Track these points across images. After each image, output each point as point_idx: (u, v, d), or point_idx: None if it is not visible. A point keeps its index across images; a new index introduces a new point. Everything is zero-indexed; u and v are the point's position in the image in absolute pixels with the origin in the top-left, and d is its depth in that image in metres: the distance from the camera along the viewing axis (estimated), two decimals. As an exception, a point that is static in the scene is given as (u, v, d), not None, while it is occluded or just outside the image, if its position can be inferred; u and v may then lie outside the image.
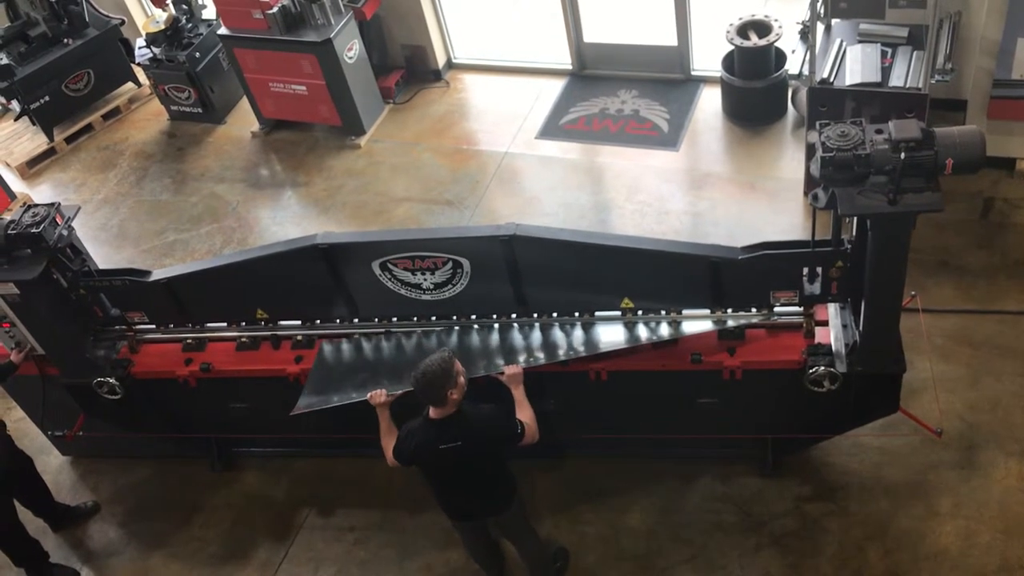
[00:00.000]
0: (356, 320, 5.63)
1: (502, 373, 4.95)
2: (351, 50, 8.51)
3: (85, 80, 9.74)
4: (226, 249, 8.21)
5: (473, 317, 5.49)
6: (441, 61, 9.49)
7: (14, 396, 6.48)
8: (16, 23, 9.51)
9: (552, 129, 8.70)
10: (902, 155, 4.04)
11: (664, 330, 5.16)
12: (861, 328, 4.80)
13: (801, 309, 5.11)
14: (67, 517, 6.38)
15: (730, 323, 5.14)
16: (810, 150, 5.36)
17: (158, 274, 5.52)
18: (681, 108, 8.57)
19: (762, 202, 7.55)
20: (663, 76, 8.86)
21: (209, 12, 9.58)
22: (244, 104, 9.53)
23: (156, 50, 9.35)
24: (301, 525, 6.16)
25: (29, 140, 9.84)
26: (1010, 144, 7.00)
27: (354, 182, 8.62)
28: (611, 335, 5.22)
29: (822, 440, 5.79)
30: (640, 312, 5.28)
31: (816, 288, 4.94)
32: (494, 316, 5.47)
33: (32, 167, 9.65)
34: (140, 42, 9.58)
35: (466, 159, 8.62)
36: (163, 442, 6.47)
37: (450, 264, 5.11)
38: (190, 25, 9.47)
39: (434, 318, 5.53)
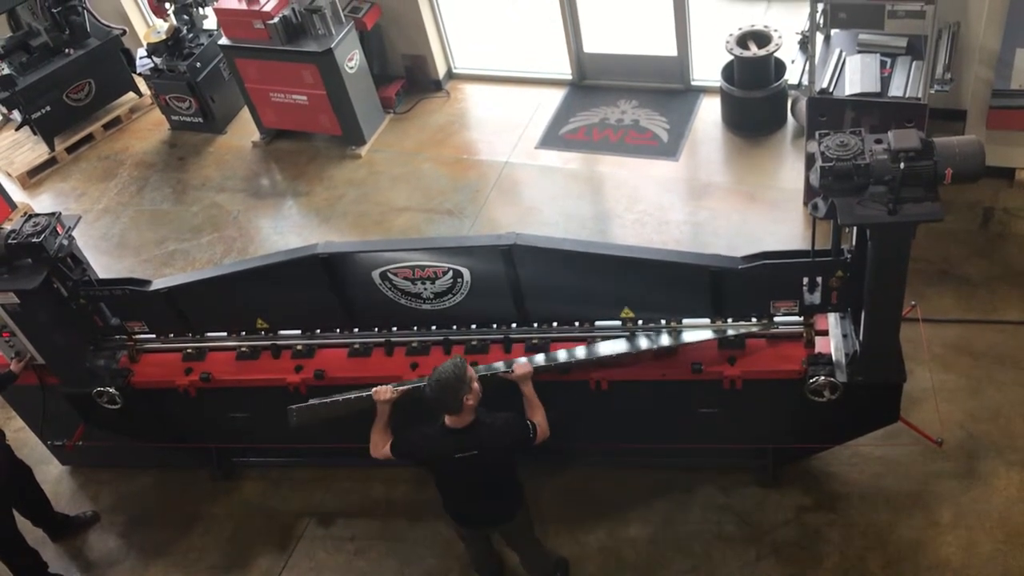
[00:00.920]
0: (356, 330, 5.63)
1: (511, 371, 4.93)
2: (352, 60, 8.54)
3: (86, 90, 9.76)
4: (227, 259, 8.22)
5: (473, 327, 5.50)
6: (441, 71, 9.51)
7: (13, 405, 6.48)
8: (18, 33, 9.54)
9: (552, 139, 8.72)
10: (901, 165, 4.05)
11: (669, 338, 5.15)
12: (861, 338, 4.80)
13: (801, 319, 5.11)
14: (66, 527, 6.37)
15: (730, 333, 5.13)
16: (810, 160, 5.38)
17: (158, 284, 5.52)
18: (681, 118, 8.58)
19: (762, 212, 7.56)
20: (663, 86, 8.88)
21: (210, 22, 9.60)
22: (245, 114, 9.55)
23: (157, 60, 9.37)
24: (301, 535, 6.15)
25: (30, 150, 9.85)
26: (1009, 154, 7.00)
27: (355, 192, 8.64)
28: (618, 344, 5.21)
29: (822, 450, 5.78)
30: (640, 322, 5.28)
31: (816, 298, 4.94)
32: (494, 326, 5.48)
33: (33, 177, 9.66)
34: (141, 52, 9.60)
35: (466, 169, 8.63)
36: (163, 452, 6.46)
37: (450, 274, 5.11)
38: (191, 35, 9.49)
39: (434, 328, 5.53)
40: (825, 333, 5.13)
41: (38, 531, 6.26)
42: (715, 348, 5.19)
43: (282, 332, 5.73)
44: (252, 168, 9.25)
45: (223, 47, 8.83)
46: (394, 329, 5.60)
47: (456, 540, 5.82)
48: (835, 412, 5.06)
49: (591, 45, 9.01)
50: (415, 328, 5.56)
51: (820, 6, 6.45)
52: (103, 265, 8.03)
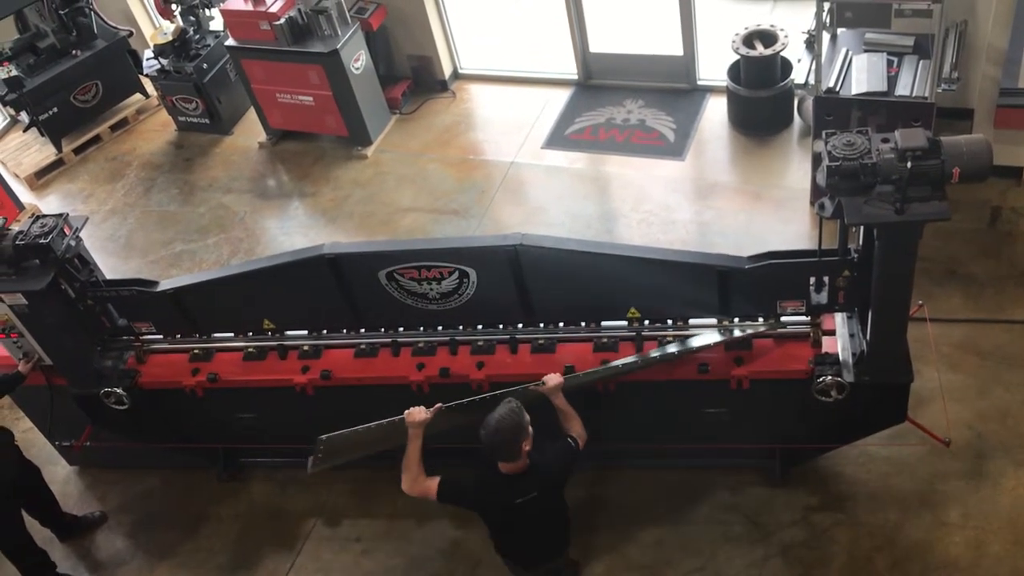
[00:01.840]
0: (362, 330, 5.64)
1: (542, 384, 4.82)
2: (358, 61, 8.54)
3: (93, 91, 9.79)
4: (233, 259, 8.23)
5: (479, 327, 5.50)
6: (447, 71, 9.51)
7: (22, 406, 6.51)
8: (25, 35, 9.57)
9: (558, 139, 8.71)
10: (908, 164, 4.04)
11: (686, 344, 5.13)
12: (868, 337, 4.79)
13: (808, 318, 5.11)
14: (74, 527, 6.39)
15: (737, 333, 5.13)
16: (816, 159, 5.37)
17: (165, 284, 5.54)
18: (687, 117, 8.57)
19: (768, 211, 7.55)
20: (669, 86, 8.86)
21: (216, 24, 9.62)
22: (251, 115, 9.56)
23: (164, 61, 9.39)
24: (308, 535, 6.16)
25: (37, 151, 9.88)
26: (1017, 153, 6.98)
27: (361, 192, 8.64)
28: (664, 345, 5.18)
29: (830, 450, 5.77)
30: (647, 322, 5.28)
31: (823, 297, 4.93)
32: (500, 326, 5.48)
33: (40, 178, 9.69)
34: (148, 53, 9.62)
35: (472, 169, 8.63)
36: (170, 452, 6.48)
37: (456, 274, 5.11)
38: (198, 36, 9.51)
39: (440, 328, 5.54)
40: (832, 333, 5.13)
41: (46, 531, 6.28)
42: (722, 348, 5.18)
43: (289, 333, 5.74)
44: (258, 169, 9.26)
45: (229, 48, 8.84)
46: (400, 329, 5.60)
47: (462, 540, 5.84)
48: (842, 412, 5.06)
49: (597, 45, 9.00)
50: (421, 328, 5.57)
51: (826, 5, 6.43)
52: (110, 266, 8.05)
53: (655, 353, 5.13)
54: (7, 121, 10.35)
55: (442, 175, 8.62)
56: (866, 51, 6.78)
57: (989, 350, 6.24)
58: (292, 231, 8.44)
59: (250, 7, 8.39)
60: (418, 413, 4.64)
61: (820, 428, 5.36)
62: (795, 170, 7.85)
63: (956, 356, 6.21)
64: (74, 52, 9.60)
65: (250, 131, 9.65)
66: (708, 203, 7.77)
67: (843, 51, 6.82)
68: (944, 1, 6.01)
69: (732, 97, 8.23)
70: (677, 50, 8.65)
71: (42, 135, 9.78)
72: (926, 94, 6.37)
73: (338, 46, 8.29)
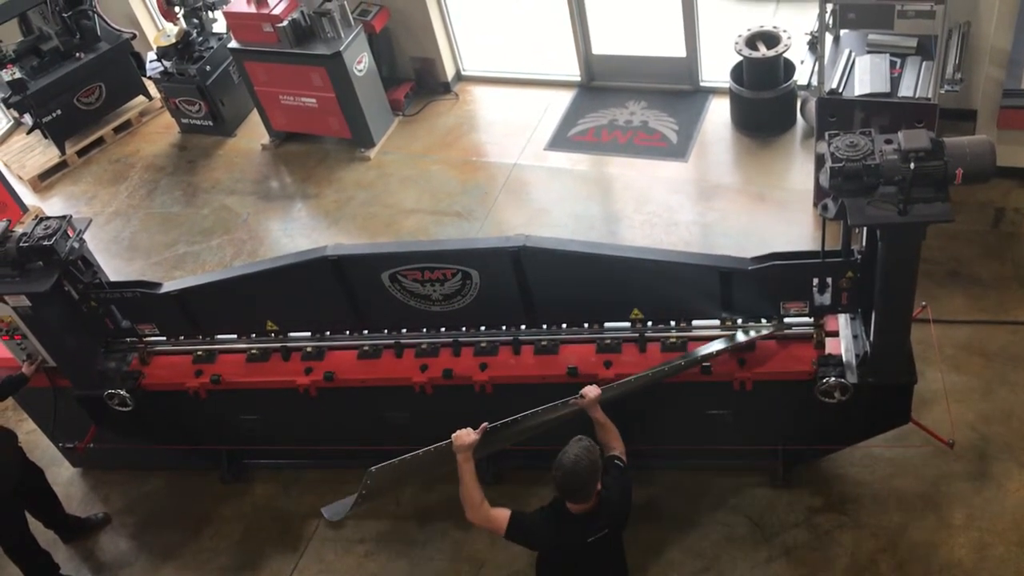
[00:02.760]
0: (366, 332, 5.64)
1: (582, 397, 4.69)
2: (361, 63, 8.55)
3: (97, 94, 9.80)
4: (236, 261, 8.24)
5: (483, 328, 5.50)
6: (450, 73, 9.52)
7: (25, 408, 6.51)
8: (29, 37, 9.59)
9: (561, 140, 8.72)
10: (912, 165, 4.04)
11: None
12: (872, 339, 4.79)
13: (811, 320, 5.10)
14: (78, 529, 6.39)
15: (740, 334, 5.12)
16: (819, 160, 5.36)
17: (169, 286, 5.55)
18: (690, 119, 8.57)
19: (772, 213, 7.54)
20: (672, 87, 8.86)
21: (219, 26, 9.63)
22: (254, 117, 9.57)
23: (167, 63, 9.41)
24: (311, 537, 6.16)
25: (41, 153, 9.90)
26: (1020, 154, 6.97)
27: (364, 194, 8.65)
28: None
29: (833, 451, 5.76)
30: (650, 323, 5.28)
31: (826, 299, 4.93)
32: (503, 327, 5.48)
33: (44, 180, 9.70)
34: (151, 56, 9.64)
35: (475, 171, 8.63)
36: (174, 453, 6.48)
37: (459, 276, 5.11)
38: (201, 39, 9.52)
39: (443, 329, 5.54)
40: (835, 334, 5.12)
41: (50, 533, 6.28)
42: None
43: (292, 334, 5.74)
44: (261, 171, 9.27)
45: (232, 50, 8.85)
46: (404, 331, 5.60)
47: (464, 542, 5.83)
48: (845, 413, 5.05)
49: (600, 46, 9.00)
50: (424, 330, 5.57)
51: (829, 6, 6.44)
52: (114, 268, 8.06)
53: (700, 352, 5.06)
54: (11, 123, 10.38)
55: (445, 177, 8.63)
56: (869, 52, 6.78)
57: (993, 351, 6.23)
58: (295, 233, 8.45)
59: (253, 9, 8.40)
60: (465, 435, 4.46)
61: (823, 429, 5.36)
62: (798, 171, 7.85)
63: (960, 357, 6.20)
64: (77, 55, 9.62)
65: (253, 133, 9.66)
66: (711, 204, 7.76)
67: (846, 52, 6.81)
68: (947, 2, 6.01)
69: (735, 98, 8.23)
70: (680, 51, 8.65)
71: (46, 137, 9.80)
72: (929, 95, 6.36)
73: (341, 48, 8.29)
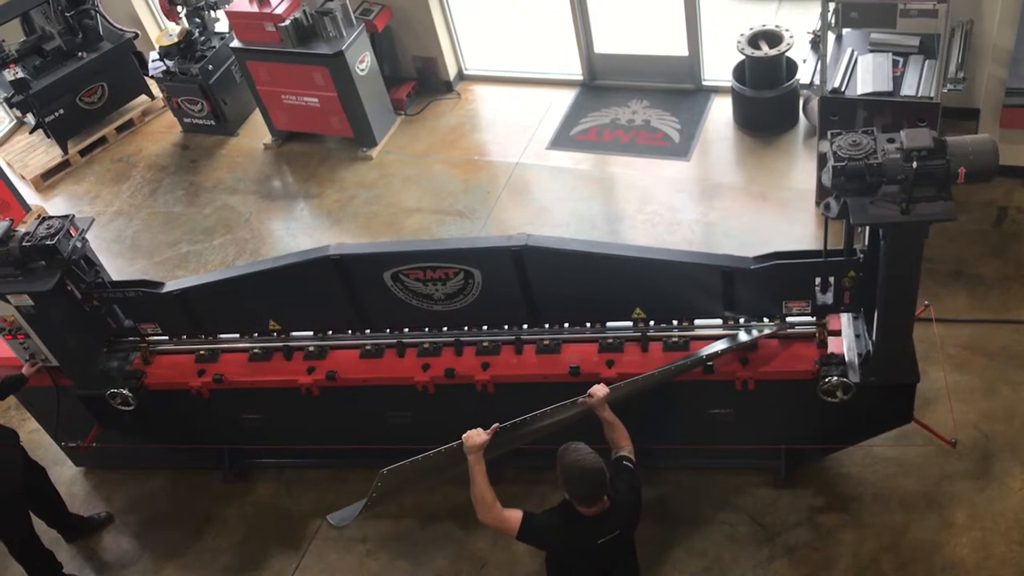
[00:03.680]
0: (368, 331, 5.64)
1: (590, 396, 4.65)
2: (363, 62, 8.55)
3: (99, 93, 9.81)
4: (239, 260, 8.24)
5: (485, 328, 5.50)
6: (452, 72, 9.52)
7: (28, 407, 6.52)
8: (31, 37, 9.60)
9: (563, 140, 8.71)
10: (914, 164, 4.03)
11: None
12: (874, 338, 4.79)
13: (814, 319, 5.10)
14: (80, 528, 6.40)
15: (742, 333, 5.12)
16: (822, 160, 5.36)
17: (171, 285, 5.55)
18: (692, 118, 8.57)
19: (774, 212, 7.54)
20: (674, 86, 8.86)
21: (222, 25, 9.64)
22: (256, 116, 9.58)
23: (169, 63, 9.41)
24: (314, 536, 6.17)
25: (43, 153, 9.90)
26: (1023, 153, 6.96)
27: (366, 193, 8.65)
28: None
29: (835, 450, 5.76)
30: (652, 322, 5.28)
31: (829, 298, 4.93)
32: (506, 327, 5.48)
33: (46, 179, 9.71)
34: (154, 55, 9.64)
35: (477, 170, 8.63)
36: (176, 453, 6.49)
37: (461, 275, 5.12)
38: (203, 38, 9.52)
39: (445, 329, 5.54)
40: (838, 333, 5.12)
41: (52, 532, 6.29)
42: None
43: (294, 334, 5.75)
44: (264, 170, 9.28)
45: (235, 50, 8.86)
46: (406, 330, 5.61)
47: (466, 541, 5.84)
48: (848, 413, 5.05)
49: (602, 45, 9.00)
50: (426, 329, 5.57)
51: (832, 5, 6.43)
52: (116, 267, 8.07)
53: (705, 352, 5.06)
54: (13, 123, 10.37)
55: (447, 176, 8.63)
56: (871, 51, 6.77)
57: (995, 350, 6.22)
58: (297, 232, 8.45)
59: (255, 9, 8.41)
60: (476, 436, 4.41)
61: (825, 429, 5.36)
62: (800, 170, 7.85)
63: (962, 356, 6.20)
64: (80, 54, 9.63)
65: (255, 132, 9.66)
66: (713, 203, 7.76)
67: (848, 51, 6.81)
68: (950, 1, 6.01)
69: (737, 97, 8.22)
70: (682, 50, 8.65)
71: (48, 137, 9.80)
72: (932, 94, 6.36)
73: (343, 48, 8.30)
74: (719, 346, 5.07)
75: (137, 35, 9.99)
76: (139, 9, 10.46)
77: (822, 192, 6.98)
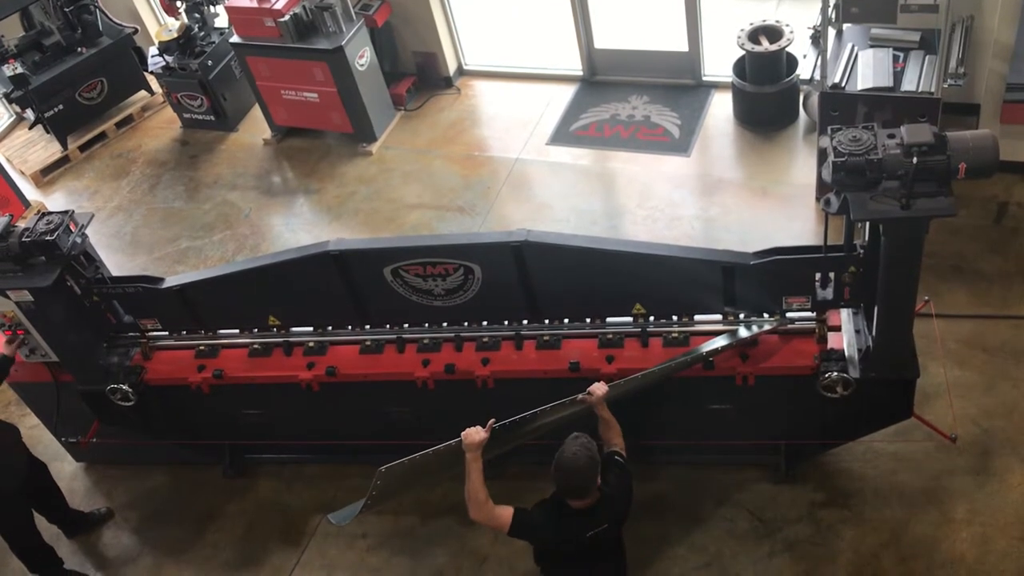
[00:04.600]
0: (368, 326, 5.64)
1: (590, 394, 4.63)
2: (362, 57, 8.54)
3: (98, 88, 9.80)
4: (239, 256, 8.24)
5: (485, 324, 5.50)
6: (452, 68, 9.51)
7: (28, 402, 6.52)
8: (31, 32, 9.58)
9: (563, 135, 8.71)
10: (914, 160, 4.02)
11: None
12: (874, 333, 4.79)
13: (814, 314, 5.10)
14: (81, 523, 6.40)
15: (742, 329, 5.12)
16: (822, 155, 5.37)
17: (171, 281, 5.55)
18: (692, 113, 8.56)
19: (774, 207, 7.54)
20: (674, 82, 8.85)
21: (221, 20, 9.63)
22: (256, 112, 9.57)
23: (169, 58, 9.40)
24: (314, 532, 6.17)
25: (43, 148, 9.90)
26: (1024, 149, 6.97)
27: (366, 189, 8.65)
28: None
29: (835, 446, 5.76)
30: (652, 318, 5.28)
31: (829, 293, 4.93)
32: (506, 322, 5.48)
33: (46, 175, 9.70)
34: (153, 51, 9.62)
35: (477, 165, 8.63)
36: (177, 448, 6.49)
37: (461, 270, 5.11)
38: (202, 33, 9.51)
39: (445, 324, 5.54)
40: (838, 329, 5.12)
41: (53, 528, 6.29)
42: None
43: (294, 329, 5.75)
44: (264, 166, 9.27)
45: (234, 45, 8.85)
46: (406, 326, 5.60)
47: (467, 537, 5.84)
48: (848, 408, 5.05)
49: (602, 41, 8.99)
50: (427, 325, 5.57)
51: (832, 1, 6.42)
52: (116, 263, 8.07)
53: (705, 348, 5.06)
54: (13, 118, 10.38)
55: (447, 171, 8.62)
56: (872, 47, 6.76)
57: (995, 346, 6.22)
58: (297, 228, 8.45)
59: (255, 4, 8.40)
60: (475, 434, 4.40)
61: (825, 424, 5.36)
62: (801, 166, 7.84)
63: (962, 352, 6.20)
64: (79, 49, 9.61)
65: (255, 128, 9.66)
66: (713, 199, 7.76)
67: (849, 47, 6.80)
68: (950, -4, 6.00)
69: (737, 93, 8.22)
70: (682, 46, 8.64)
71: (47, 132, 9.79)
72: (932, 89, 6.35)
73: (343, 43, 8.28)
74: (719, 342, 5.07)
75: (136, 30, 9.98)
76: (138, 4, 10.45)
77: (822, 188, 6.97)
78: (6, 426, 5.77)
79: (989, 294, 6.52)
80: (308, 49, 8.42)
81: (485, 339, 5.47)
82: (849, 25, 6.87)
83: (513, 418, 4.63)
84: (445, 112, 9.29)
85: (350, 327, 5.68)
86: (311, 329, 5.75)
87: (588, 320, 5.41)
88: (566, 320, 5.43)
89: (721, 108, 8.52)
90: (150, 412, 5.93)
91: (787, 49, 7.82)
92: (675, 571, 5.56)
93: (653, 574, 5.57)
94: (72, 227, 5.27)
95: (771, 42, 7.79)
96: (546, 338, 5.40)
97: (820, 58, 6.53)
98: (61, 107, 9.58)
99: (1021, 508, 5.45)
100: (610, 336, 5.32)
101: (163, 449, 6.50)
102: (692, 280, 5.04)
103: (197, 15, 9.49)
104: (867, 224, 4.51)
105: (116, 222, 8.95)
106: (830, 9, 6.47)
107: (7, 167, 9.34)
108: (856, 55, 6.73)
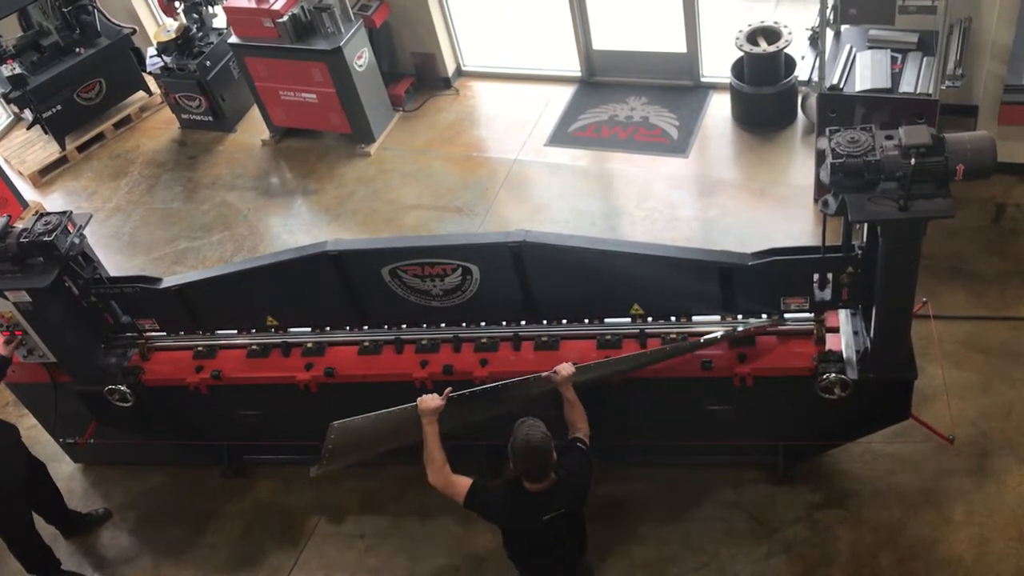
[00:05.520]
0: (366, 327, 5.64)
1: (555, 373, 4.73)
2: (361, 58, 8.54)
3: (97, 89, 9.79)
4: (237, 257, 8.24)
5: (483, 324, 5.50)
6: (451, 68, 9.51)
7: (26, 403, 6.52)
8: (29, 33, 9.57)
9: (561, 136, 8.71)
10: (912, 161, 4.03)
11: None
12: (872, 334, 4.79)
13: (812, 315, 5.10)
14: (79, 524, 6.40)
15: (740, 330, 5.12)
16: (820, 156, 5.36)
17: (169, 281, 5.55)
18: (691, 114, 8.57)
19: (772, 208, 7.54)
20: (672, 83, 8.86)
21: (220, 21, 9.62)
22: (254, 112, 9.56)
23: (167, 59, 9.40)
24: (312, 532, 6.17)
25: (41, 149, 9.89)
26: (1021, 150, 6.96)
27: (364, 190, 8.65)
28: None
29: (833, 447, 5.76)
30: (650, 319, 5.28)
31: (827, 294, 4.93)
32: (504, 323, 5.48)
33: (44, 176, 9.70)
34: (151, 51, 9.62)
35: (476, 166, 8.63)
36: (175, 449, 6.49)
37: (460, 271, 5.11)
38: (201, 34, 9.51)
39: (444, 325, 5.54)
40: (836, 330, 5.12)
41: (50, 528, 6.28)
42: (726, 345, 5.17)
43: (292, 330, 5.75)
44: (262, 166, 9.27)
45: (233, 45, 8.85)
46: (404, 327, 5.60)
47: (465, 538, 5.84)
48: (846, 409, 5.05)
49: (600, 42, 8.99)
50: (425, 326, 5.57)
51: (830, 2, 6.43)
52: (114, 263, 8.06)
53: (685, 343, 5.09)
54: (11, 119, 10.37)
55: (445, 172, 8.62)
56: (870, 48, 6.77)
57: (993, 347, 6.23)
58: (295, 228, 8.45)
59: (253, 4, 8.39)
60: (431, 400, 4.56)
61: (823, 425, 5.36)
62: (799, 167, 7.85)
63: (960, 353, 6.20)
64: (77, 50, 9.61)
65: (253, 128, 9.65)
66: (712, 200, 7.76)
67: (847, 48, 6.81)
68: (948, -3, 6.01)
69: (736, 94, 8.22)
70: (681, 47, 8.64)
71: (46, 133, 9.78)
72: (930, 91, 6.36)
73: (341, 43, 8.28)
74: (704, 339, 5.07)
75: (135, 31, 9.97)
76: (136, 5, 10.43)
77: (820, 189, 6.95)
78: (6, 425, 5.76)
79: (987, 295, 6.53)
80: (307, 50, 8.42)
81: (483, 340, 5.47)
82: (847, 26, 6.88)
83: (472, 389, 4.65)
84: (443, 113, 9.29)
85: (348, 328, 5.68)
86: (309, 330, 5.75)
87: (586, 321, 5.41)
88: (564, 321, 5.43)
89: (719, 109, 8.53)
90: (148, 413, 5.92)
91: (785, 50, 7.82)
92: (673, 571, 5.56)
93: (651, 574, 5.57)
94: (70, 228, 5.27)
95: (769, 43, 7.80)
96: (544, 339, 5.40)
97: (818, 59, 6.54)
98: (59, 107, 9.58)
99: (1018, 509, 5.46)
100: (608, 337, 5.32)
101: (161, 450, 6.50)
102: (690, 281, 5.04)
103: (195, 15, 9.49)
104: (865, 225, 4.51)
105: (114, 223, 8.94)
106: (828, 10, 6.48)
107: (5, 167, 9.34)
108: (854, 56, 6.74)
